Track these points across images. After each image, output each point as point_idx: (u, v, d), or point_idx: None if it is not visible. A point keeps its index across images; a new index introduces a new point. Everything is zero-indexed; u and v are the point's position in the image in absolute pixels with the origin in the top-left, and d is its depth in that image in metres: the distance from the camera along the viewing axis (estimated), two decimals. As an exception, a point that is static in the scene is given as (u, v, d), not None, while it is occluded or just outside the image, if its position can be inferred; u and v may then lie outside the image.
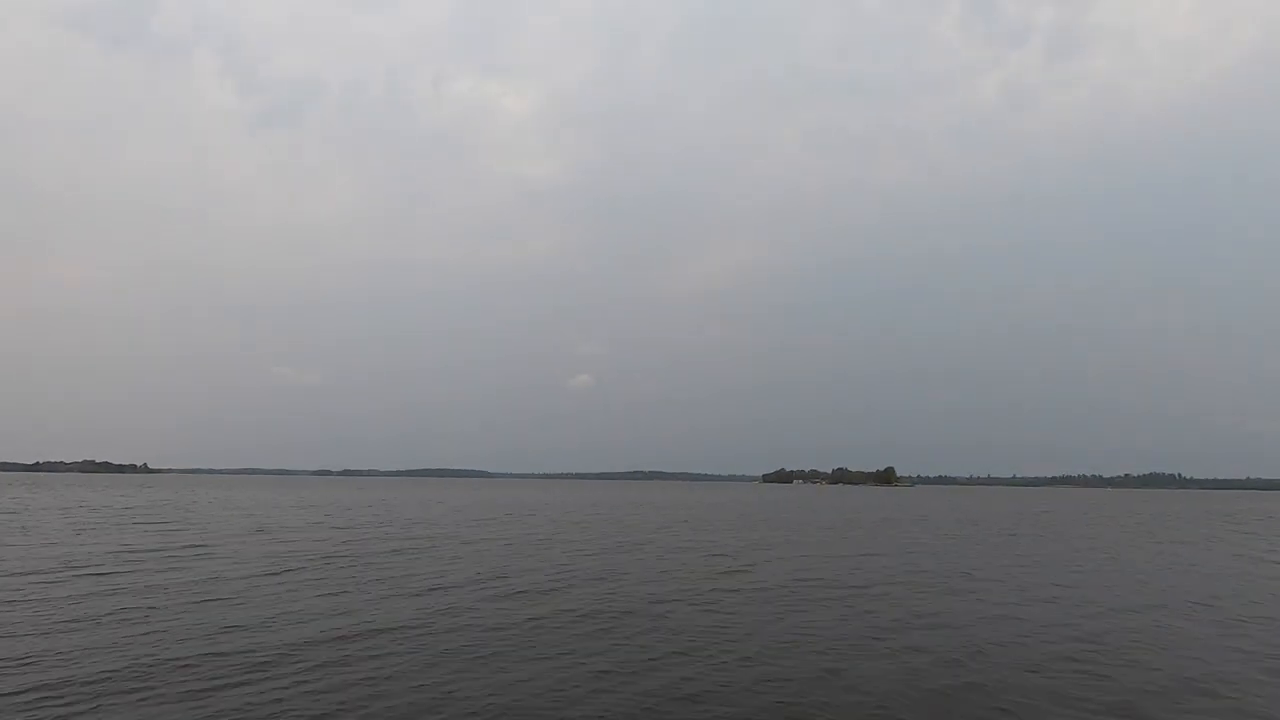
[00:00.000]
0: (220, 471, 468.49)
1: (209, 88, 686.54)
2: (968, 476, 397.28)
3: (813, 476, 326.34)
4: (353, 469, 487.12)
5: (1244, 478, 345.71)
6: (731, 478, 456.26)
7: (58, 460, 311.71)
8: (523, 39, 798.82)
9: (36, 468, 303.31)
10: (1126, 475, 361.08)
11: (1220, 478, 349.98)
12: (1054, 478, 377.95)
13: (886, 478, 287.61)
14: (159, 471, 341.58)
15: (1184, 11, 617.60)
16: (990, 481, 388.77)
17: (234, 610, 12.12)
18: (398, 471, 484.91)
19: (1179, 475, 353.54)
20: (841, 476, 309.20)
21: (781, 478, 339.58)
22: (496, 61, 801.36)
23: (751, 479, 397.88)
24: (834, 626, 11.68)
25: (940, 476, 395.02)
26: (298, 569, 17.11)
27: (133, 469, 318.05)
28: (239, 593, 13.98)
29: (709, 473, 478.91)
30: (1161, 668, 9.33)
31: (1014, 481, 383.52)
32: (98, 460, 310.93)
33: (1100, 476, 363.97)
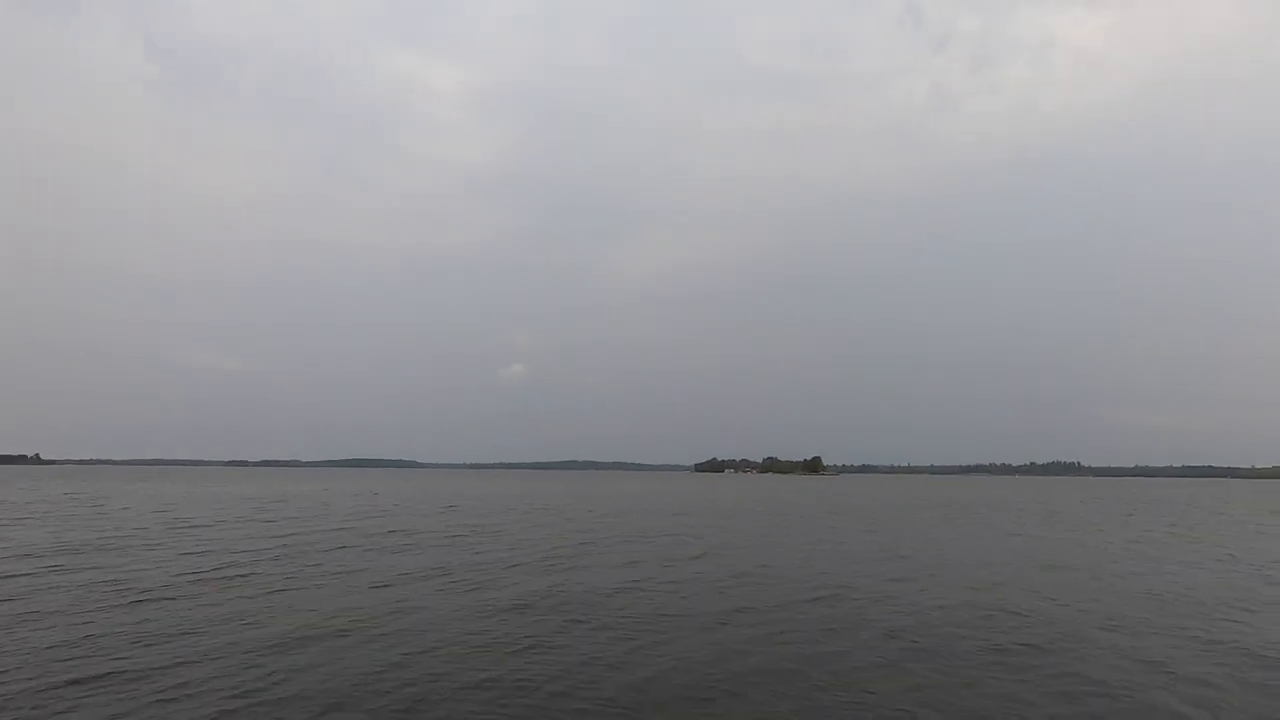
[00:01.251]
0: (123, 463, 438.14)
1: (110, 48, 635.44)
2: (889, 465, 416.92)
3: (744, 466, 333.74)
4: (272, 459, 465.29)
5: (1133, 466, 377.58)
6: (664, 467, 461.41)
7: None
8: (460, 15, 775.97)
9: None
10: (1032, 464, 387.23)
11: (1113, 466, 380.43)
12: (968, 466, 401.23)
13: (814, 467, 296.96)
14: (53, 463, 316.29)
15: (1093, 28, 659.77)
16: (910, 470, 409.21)
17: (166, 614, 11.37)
18: (322, 462, 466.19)
19: (1078, 464, 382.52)
20: (771, 466, 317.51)
21: (713, 467, 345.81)
22: (432, 38, 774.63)
23: (684, 468, 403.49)
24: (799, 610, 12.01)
25: (864, 465, 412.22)
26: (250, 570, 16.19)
27: (23, 459, 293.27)
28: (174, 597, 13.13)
29: (642, 462, 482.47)
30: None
31: (932, 470, 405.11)
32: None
33: (1009, 465, 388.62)
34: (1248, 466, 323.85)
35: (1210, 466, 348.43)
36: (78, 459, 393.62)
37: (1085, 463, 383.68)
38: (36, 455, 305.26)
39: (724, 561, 17.65)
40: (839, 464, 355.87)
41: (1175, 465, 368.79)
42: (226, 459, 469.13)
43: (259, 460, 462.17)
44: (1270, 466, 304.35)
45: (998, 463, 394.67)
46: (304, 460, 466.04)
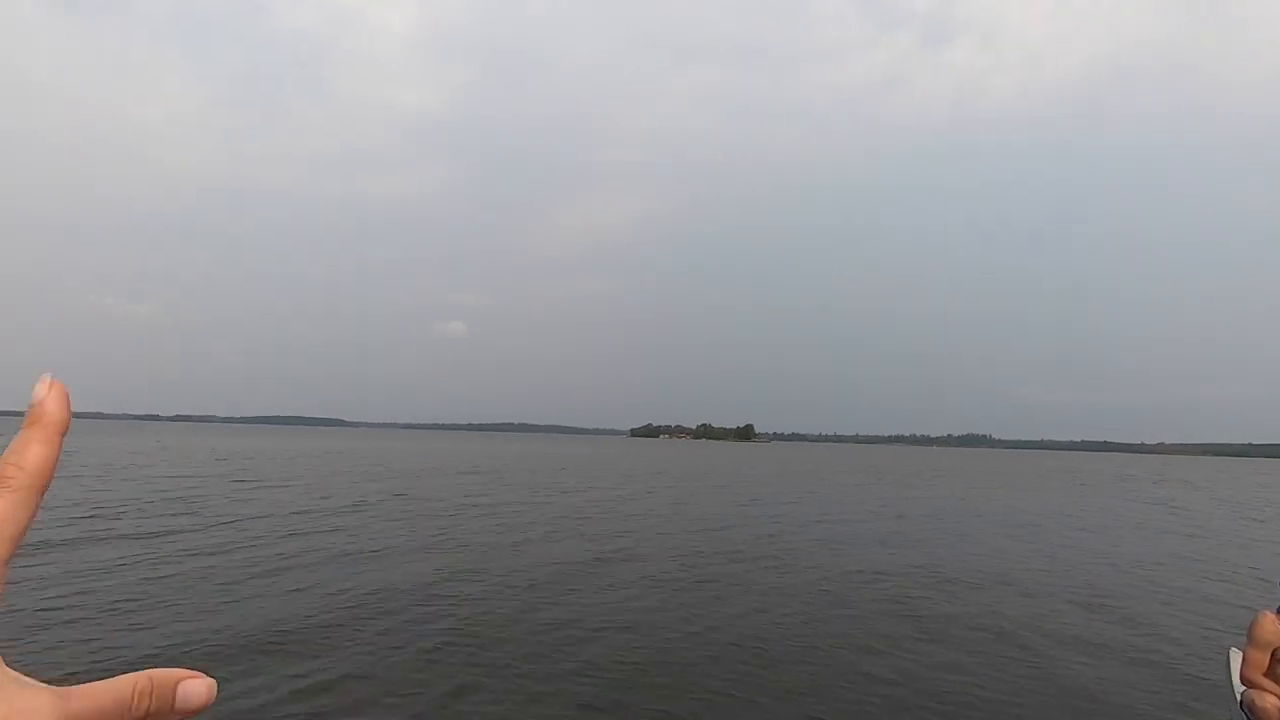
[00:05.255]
0: (10, 414, 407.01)
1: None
2: (818, 434, 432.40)
3: (678, 432, 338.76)
4: (186, 414, 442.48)
5: (1039, 439, 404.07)
6: (599, 431, 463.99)
7: None
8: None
9: None
10: (949, 435, 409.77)
11: (1021, 439, 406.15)
12: (890, 436, 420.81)
13: (746, 434, 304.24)
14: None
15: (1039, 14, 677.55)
16: (837, 439, 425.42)
17: None
18: (242, 418, 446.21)
19: (989, 436, 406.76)
20: (705, 432, 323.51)
21: (649, 432, 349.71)
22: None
23: (620, 433, 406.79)
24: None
25: (794, 434, 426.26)
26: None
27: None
28: None
29: (578, 426, 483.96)
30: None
31: (856, 439, 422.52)
32: None
33: (927, 436, 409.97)
34: (1152, 443, 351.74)
35: (1108, 442, 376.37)
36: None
37: (996, 435, 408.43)
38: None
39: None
40: (771, 432, 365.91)
41: (1076, 439, 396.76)
42: (137, 412, 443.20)
43: (172, 415, 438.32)
44: (1173, 443, 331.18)
45: (918, 434, 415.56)
46: (221, 416, 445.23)
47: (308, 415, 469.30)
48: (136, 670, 0.36)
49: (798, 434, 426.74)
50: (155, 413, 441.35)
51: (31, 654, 5.91)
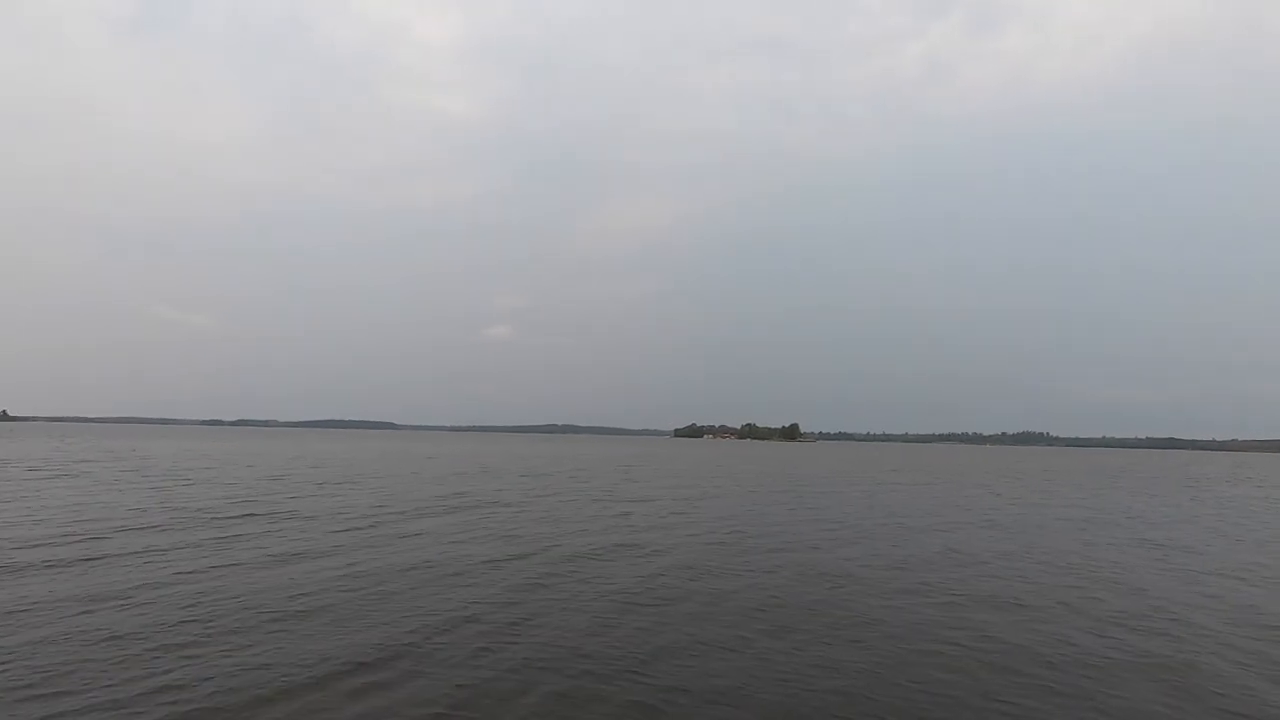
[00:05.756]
0: (92, 420, 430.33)
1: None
2: (865, 433, 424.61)
3: (722, 431, 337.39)
4: (248, 419, 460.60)
5: (1100, 436, 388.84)
6: (644, 432, 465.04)
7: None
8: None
9: None
10: (1003, 434, 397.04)
11: (1080, 436, 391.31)
12: (941, 435, 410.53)
13: (791, 434, 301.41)
14: (22, 420, 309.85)
15: None
16: (885, 438, 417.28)
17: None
18: (299, 423, 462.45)
19: (1046, 434, 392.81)
20: (750, 432, 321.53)
21: (692, 432, 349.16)
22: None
23: (664, 434, 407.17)
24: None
25: (840, 433, 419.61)
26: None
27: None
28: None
29: (623, 427, 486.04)
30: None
31: (906, 438, 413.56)
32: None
33: (980, 434, 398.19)
34: (1222, 439, 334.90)
35: (1175, 439, 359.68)
36: (46, 416, 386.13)
37: (1054, 433, 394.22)
38: (4, 413, 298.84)
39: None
40: (817, 431, 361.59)
41: (1140, 436, 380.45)
42: (202, 418, 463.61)
43: (234, 420, 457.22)
44: (1246, 440, 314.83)
45: (970, 432, 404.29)
46: (280, 421, 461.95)
47: (360, 419, 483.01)
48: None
49: (844, 433, 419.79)
50: (219, 418, 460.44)
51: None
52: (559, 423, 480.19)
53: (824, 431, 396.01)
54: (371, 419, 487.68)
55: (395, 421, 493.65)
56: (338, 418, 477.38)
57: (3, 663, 6.27)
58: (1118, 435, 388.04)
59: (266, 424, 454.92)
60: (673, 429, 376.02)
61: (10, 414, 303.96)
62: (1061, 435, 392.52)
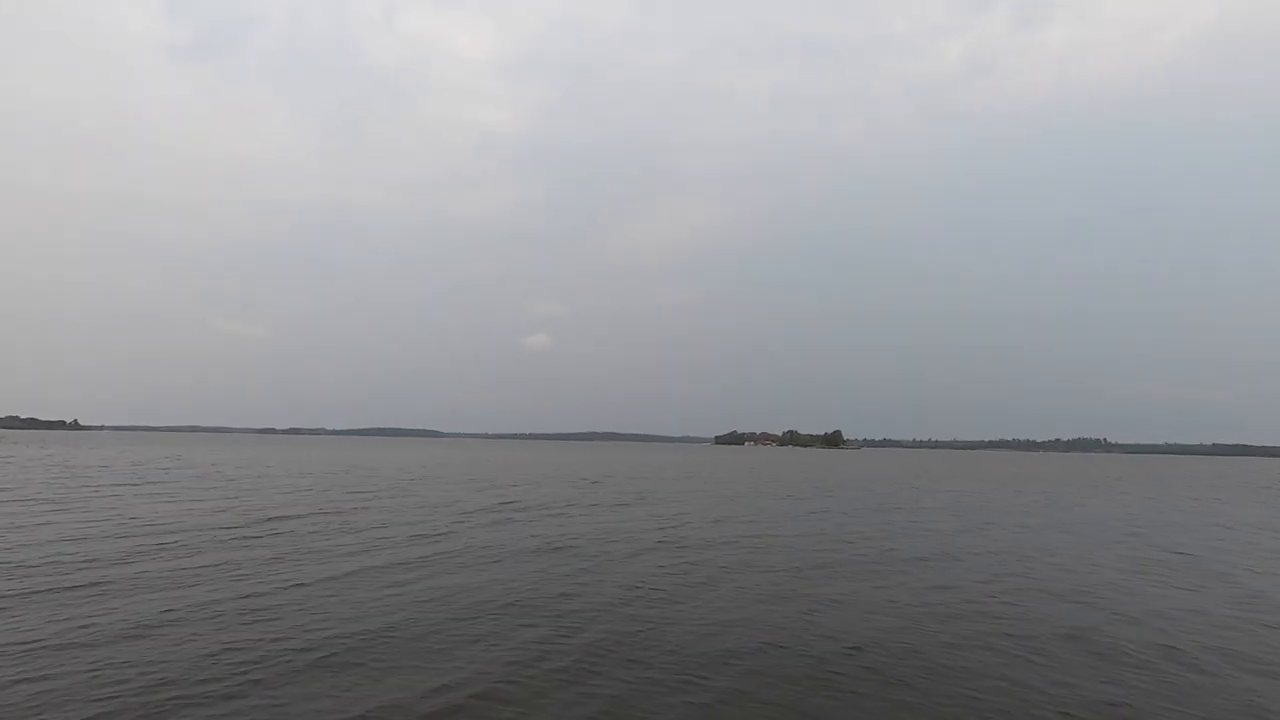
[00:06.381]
0: (157, 429, 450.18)
1: (133, 12, 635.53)
2: (911, 440, 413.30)
3: (764, 438, 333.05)
4: (299, 427, 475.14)
5: (1162, 443, 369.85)
6: (685, 439, 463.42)
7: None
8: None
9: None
10: (1057, 440, 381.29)
11: (1141, 442, 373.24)
12: (990, 441, 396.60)
13: (834, 440, 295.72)
14: (91, 429, 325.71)
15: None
16: (932, 445, 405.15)
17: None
18: (346, 431, 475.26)
19: (1104, 440, 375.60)
20: (791, 439, 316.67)
21: (733, 439, 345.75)
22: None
23: (704, 441, 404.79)
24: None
25: (885, 440, 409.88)
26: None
27: (61, 425, 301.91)
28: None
29: (663, 434, 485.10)
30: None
31: (954, 444, 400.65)
32: (22, 416, 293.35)
33: (1033, 441, 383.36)
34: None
35: (1245, 445, 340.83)
36: (113, 425, 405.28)
37: (1112, 439, 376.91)
38: (75, 421, 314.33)
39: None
40: (861, 438, 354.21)
41: (1206, 443, 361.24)
42: (257, 426, 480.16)
43: (286, 428, 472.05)
44: None
45: (1021, 438, 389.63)
46: (329, 429, 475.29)
47: (405, 427, 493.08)
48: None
49: (889, 439, 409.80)
50: (271, 426, 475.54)
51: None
52: (599, 430, 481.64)
53: (868, 438, 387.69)
54: (417, 426, 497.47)
55: (439, 429, 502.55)
56: (385, 425, 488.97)
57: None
58: (1183, 441, 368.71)
59: (315, 432, 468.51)
60: (713, 436, 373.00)
61: (81, 423, 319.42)
62: (1120, 441, 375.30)
